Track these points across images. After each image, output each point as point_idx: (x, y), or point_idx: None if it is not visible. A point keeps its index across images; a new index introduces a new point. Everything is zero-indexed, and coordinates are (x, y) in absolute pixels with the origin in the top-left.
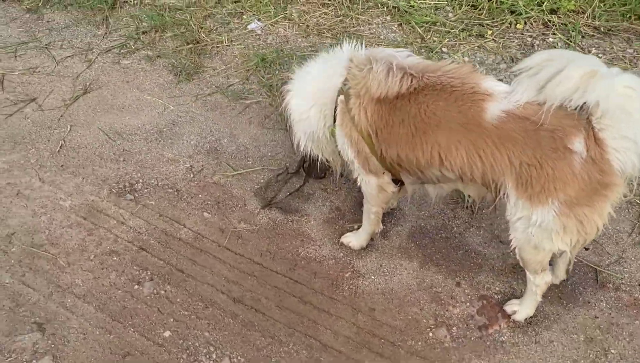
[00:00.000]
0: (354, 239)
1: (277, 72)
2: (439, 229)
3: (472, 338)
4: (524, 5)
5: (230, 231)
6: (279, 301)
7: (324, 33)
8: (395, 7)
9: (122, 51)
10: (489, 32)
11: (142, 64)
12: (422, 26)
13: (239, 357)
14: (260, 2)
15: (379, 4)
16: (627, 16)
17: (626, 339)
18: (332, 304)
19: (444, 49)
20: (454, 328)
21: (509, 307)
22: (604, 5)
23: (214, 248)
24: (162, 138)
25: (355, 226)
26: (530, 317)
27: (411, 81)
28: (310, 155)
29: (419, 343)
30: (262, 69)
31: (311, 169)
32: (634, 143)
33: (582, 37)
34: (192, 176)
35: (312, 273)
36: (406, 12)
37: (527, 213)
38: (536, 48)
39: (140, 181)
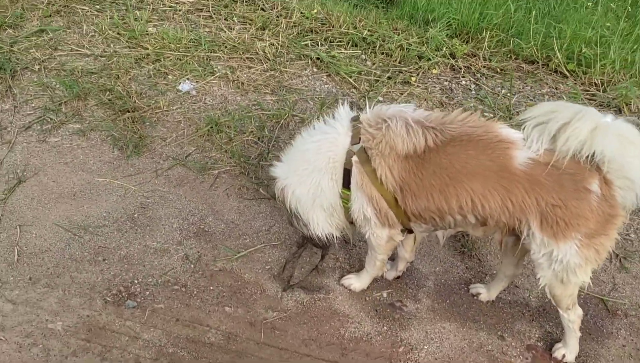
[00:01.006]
0: (357, 281)
1: (233, 135)
2: (459, 283)
3: None
4: (430, 51)
5: (262, 324)
6: None
7: (261, 89)
8: (318, 58)
9: (44, 126)
10: (413, 78)
11: (75, 139)
12: (350, 76)
13: None
14: (181, 60)
15: (302, 56)
16: (509, 56)
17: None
18: None
19: (380, 98)
20: None
21: (558, 353)
22: (489, 47)
23: (252, 346)
24: (138, 225)
25: (385, 294)
26: (578, 357)
27: (436, 135)
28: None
29: None
30: (217, 134)
31: (321, 241)
32: (632, 181)
33: (486, 78)
34: (192, 266)
35: (366, 355)
36: (331, 62)
37: (551, 249)
38: (454, 91)
39: (136, 281)
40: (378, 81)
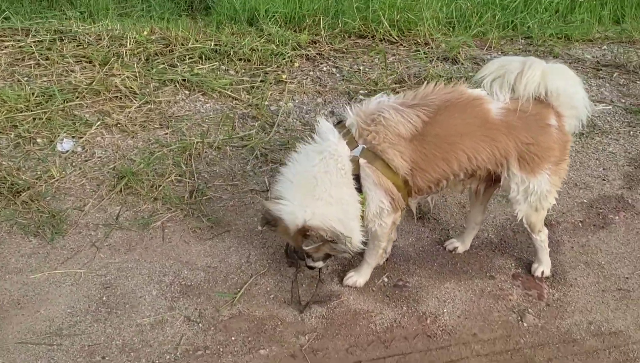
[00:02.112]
0: (359, 277)
1: (153, 181)
2: (434, 245)
3: (545, 308)
4: (281, 47)
5: (302, 351)
6: None
7: (148, 126)
8: (184, 80)
9: None
10: (284, 75)
11: None
12: (226, 89)
13: None
14: (40, 119)
15: (166, 82)
16: (343, 36)
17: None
18: (446, 352)
19: (266, 102)
20: (529, 310)
21: (537, 272)
22: (324, 31)
23: None
24: (114, 308)
25: (385, 278)
26: (551, 268)
27: (424, 110)
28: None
29: (527, 336)
30: (135, 185)
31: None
32: (577, 109)
33: (339, 60)
34: (199, 325)
35: (405, 339)
36: (199, 81)
37: (528, 183)
38: (322, 79)
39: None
40: (253, 87)
